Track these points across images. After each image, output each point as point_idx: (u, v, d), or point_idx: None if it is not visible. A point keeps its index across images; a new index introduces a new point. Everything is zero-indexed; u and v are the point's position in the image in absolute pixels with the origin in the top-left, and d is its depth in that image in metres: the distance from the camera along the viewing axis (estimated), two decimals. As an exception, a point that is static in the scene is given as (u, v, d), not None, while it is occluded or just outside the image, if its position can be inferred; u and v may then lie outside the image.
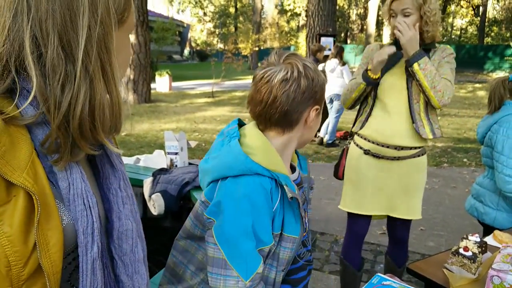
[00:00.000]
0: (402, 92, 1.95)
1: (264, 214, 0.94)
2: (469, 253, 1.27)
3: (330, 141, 6.41)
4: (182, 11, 53.34)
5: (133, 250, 0.77)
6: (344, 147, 2.19)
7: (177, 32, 38.02)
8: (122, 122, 0.72)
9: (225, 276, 0.92)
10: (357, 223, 2.12)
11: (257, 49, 21.68)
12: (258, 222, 0.93)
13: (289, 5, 36.24)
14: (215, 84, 13.64)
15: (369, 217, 2.10)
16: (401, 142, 1.94)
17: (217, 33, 47.44)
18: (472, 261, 1.24)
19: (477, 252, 1.27)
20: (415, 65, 1.82)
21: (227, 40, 22.55)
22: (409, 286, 1.15)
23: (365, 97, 2.06)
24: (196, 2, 48.25)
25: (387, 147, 1.96)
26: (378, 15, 23.76)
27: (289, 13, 38.52)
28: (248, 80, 19.04)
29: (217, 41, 47.96)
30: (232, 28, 42.27)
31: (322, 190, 4.37)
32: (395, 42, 1.96)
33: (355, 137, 2.11)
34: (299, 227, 1.01)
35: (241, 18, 41.31)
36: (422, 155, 2.02)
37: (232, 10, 43.99)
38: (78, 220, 0.66)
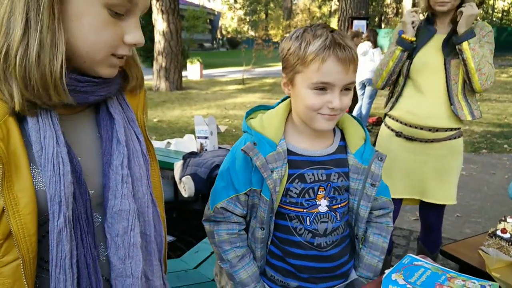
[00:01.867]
0: (439, 71, 1.85)
1: (238, 164, 1.08)
2: (507, 235, 1.21)
3: (362, 127, 6.27)
4: (213, -1, 53.49)
5: (128, 233, 0.74)
6: (378, 132, 2.12)
7: (208, 20, 38.16)
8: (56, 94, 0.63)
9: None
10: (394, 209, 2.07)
11: (287, 35, 21.41)
12: (232, 169, 1.09)
13: (321, -11, 35.49)
14: (245, 71, 13.62)
15: (399, 201, 2.04)
16: (437, 123, 1.86)
17: (247, 20, 47.23)
18: (510, 243, 1.18)
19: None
20: (465, 44, 1.72)
21: (257, 27, 22.41)
22: (442, 267, 1.11)
23: (397, 77, 1.98)
24: (226, -10, 48.16)
25: (421, 128, 1.88)
26: (414, -2, 22.84)
27: (320, -2, 37.75)
28: (278, 67, 18.84)
29: (248, 29, 47.76)
30: (263, 15, 41.93)
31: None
32: (428, 17, 1.87)
33: (386, 118, 2.04)
34: (268, 191, 1.03)
35: (271, 5, 40.88)
36: (459, 137, 1.92)
37: (263, -4, 43.58)
38: (47, 185, 0.64)
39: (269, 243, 1.12)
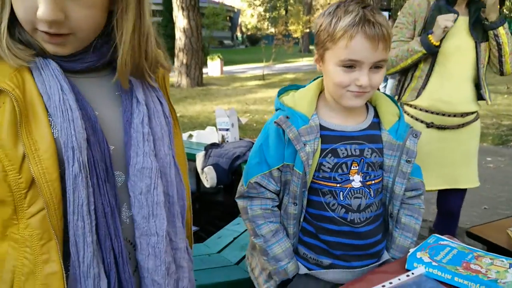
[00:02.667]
0: (469, 55, 1.82)
1: (271, 140, 1.10)
2: (537, 217, 1.17)
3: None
4: (232, -4, 53.48)
5: (151, 191, 0.75)
6: None
7: (227, 18, 38.24)
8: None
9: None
10: None
11: (307, 31, 21.26)
12: (265, 145, 1.11)
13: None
14: (265, 67, 13.62)
15: None
16: (467, 108, 1.85)
17: (267, 17, 47.06)
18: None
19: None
20: (501, 29, 1.73)
21: (277, 23, 22.37)
22: (469, 246, 1.10)
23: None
24: (246, -13, 48.10)
25: (454, 116, 1.85)
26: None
27: (341, -7, 37.20)
28: (299, 62, 18.83)
29: (268, 25, 47.61)
30: (283, 11, 41.69)
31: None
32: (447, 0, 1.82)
33: (408, 108, 1.95)
34: (301, 164, 1.04)
35: (291, 1, 40.59)
36: (478, 119, 1.95)
37: (282, -8, 43.32)
38: (60, 132, 0.66)
39: (301, 220, 1.12)
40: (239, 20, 48.92)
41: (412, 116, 1.94)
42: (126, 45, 0.72)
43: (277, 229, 1.12)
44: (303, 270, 1.13)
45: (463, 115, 1.87)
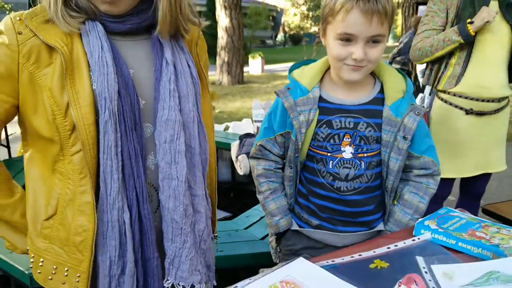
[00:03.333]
0: (504, 39, 1.85)
1: (278, 109, 1.21)
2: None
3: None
4: (276, -5, 53.54)
5: (174, 141, 0.87)
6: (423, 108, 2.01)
7: (270, 17, 38.42)
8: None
9: None
10: (445, 187, 2.03)
11: None
12: (273, 113, 1.24)
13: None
14: (306, 65, 13.60)
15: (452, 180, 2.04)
16: (503, 93, 1.89)
17: (310, 16, 46.72)
18: (557, 201, 1.16)
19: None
20: None
21: (319, 22, 22.14)
22: (479, 217, 1.13)
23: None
24: (289, -14, 48.01)
25: (492, 101, 1.87)
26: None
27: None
28: (341, 61, 18.53)
29: (311, 24, 47.25)
30: (326, 10, 41.19)
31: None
32: None
33: (444, 95, 1.95)
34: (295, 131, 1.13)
35: (335, -1, 40.03)
36: (509, 104, 1.97)
37: (326, -9, 42.98)
38: (96, 83, 0.80)
39: (297, 182, 1.22)
40: (282, 20, 48.92)
41: (451, 104, 1.94)
42: (165, 1, 0.86)
43: (276, 188, 1.26)
44: (295, 226, 1.25)
45: (500, 100, 1.89)
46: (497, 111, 1.91)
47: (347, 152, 1.14)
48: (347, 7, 1.01)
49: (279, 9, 43.99)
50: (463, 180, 2.11)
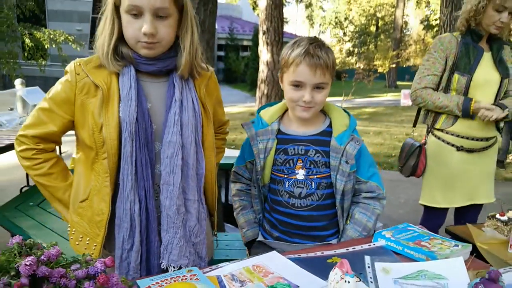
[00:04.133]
0: (494, 88, 2.06)
1: (247, 140, 1.46)
2: (504, 218, 1.36)
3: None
4: (323, 32, 54.53)
5: (174, 157, 1.17)
6: (421, 145, 2.18)
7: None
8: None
9: None
10: (439, 216, 2.21)
11: (394, 66, 20.95)
12: (245, 144, 1.51)
13: (435, 19, 33.96)
14: (344, 100, 13.80)
15: (446, 209, 2.21)
16: (491, 133, 2.09)
17: (356, 52, 47.11)
18: (505, 223, 1.33)
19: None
20: None
21: (365, 59, 22.37)
22: (433, 233, 1.33)
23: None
24: (336, 23, 48.89)
25: (481, 140, 2.08)
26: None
27: (436, 28, 36.04)
28: (382, 97, 18.57)
29: (356, 60, 47.54)
30: (372, 47, 41.48)
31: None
32: (472, 36, 2.04)
33: (439, 133, 2.14)
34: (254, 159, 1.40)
35: (382, 36, 40.30)
36: (496, 142, 2.18)
37: (372, 28, 43.32)
38: (122, 112, 1.14)
39: (262, 199, 1.48)
40: (327, 55, 49.55)
41: (443, 141, 2.13)
42: (186, 50, 1.20)
43: (245, 205, 1.52)
44: (260, 237, 1.49)
45: (488, 139, 2.09)
46: (485, 148, 2.10)
47: (300, 174, 1.37)
48: (297, 61, 1.28)
49: (324, 45, 44.71)
50: (457, 210, 2.26)
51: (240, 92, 20.77)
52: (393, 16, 30.69)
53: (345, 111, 1.46)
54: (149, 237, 1.20)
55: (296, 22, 61.09)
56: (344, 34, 49.83)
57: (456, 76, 2.05)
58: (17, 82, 4.37)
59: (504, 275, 1.09)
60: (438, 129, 2.15)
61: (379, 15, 41.33)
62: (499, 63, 2.04)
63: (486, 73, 2.03)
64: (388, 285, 1.04)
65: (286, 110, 1.46)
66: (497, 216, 1.37)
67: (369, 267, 1.13)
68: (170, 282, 0.99)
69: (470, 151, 2.09)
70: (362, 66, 16.19)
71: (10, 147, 2.86)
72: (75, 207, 1.23)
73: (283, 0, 11.28)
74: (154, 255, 1.21)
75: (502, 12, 1.93)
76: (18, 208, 2.71)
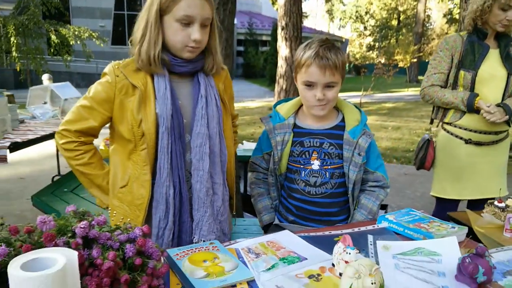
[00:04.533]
0: (500, 83, 2.13)
1: (264, 133, 1.63)
2: (501, 204, 1.46)
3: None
4: (343, 26, 54.01)
5: (202, 146, 1.34)
6: (429, 138, 2.32)
7: (335, 47, 38.85)
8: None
9: None
10: (450, 207, 2.30)
11: (415, 60, 20.65)
12: (262, 137, 1.67)
13: (458, 13, 33.18)
14: (364, 95, 13.75)
15: (457, 201, 2.30)
16: (500, 127, 2.15)
17: (376, 46, 46.48)
18: (502, 210, 1.43)
19: (510, 205, 1.45)
20: None
21: (385, 53, 22.12)
22: (433, 217, 1.44)
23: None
24: (356, 17, 48.32)
25: (489, 133, 2.15)
26: None
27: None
28: (403, 92, 18.37)
29: (376, 55, 46.93)
30: (394, 41, 40.89)
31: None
32: (478, 34, 2.12)
33: (448, 127, 2.25)
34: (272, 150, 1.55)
35: (404, 30, 39.67)
36: (508, 137, 2.22)
37: (394, 22, 42.65)
38: (158, 109, 1.28)
39: (279, 187, 1.61)
40: (347, 50, 49.22)
41: (452, 134, 2.24)
42: (213, 52, 1.38)
43: (262, 192, 1.66)
44: (277, 221, 1.63)
45: (496, 133, 2.16)
46: (495, 142, 2.18)
47: (315, 164, 1.51)
48: (308, 63, 1.41)
49: (343, 40, 44.31)
50: (469, 204, 2.34)
51: (259, 87, 20.85)
52: (415, 10, 30.15)
53: (356, 107, 1.59)
54: (182, 217, 1.36)
55: (316, 17, 60.68)
56: (365, 28, 49.22)
57: (462, 72, 2.15)
58: (45, 77, 4.57)
59: (496, 254, 1.21)
60: (447, 123, 2.26)
61: (400, 8, 40.58)
62: (506, 59, 2.11)
63: (492, 69, 2.11)
64: (387, 259, 1.16)
65: (301, 105, 1.59)
66: (495, 203, 1.48)
67: (371, 244, 1.26)
68: (195, 251, 1.15)
69: (478, 144, 2.17)
70: (382, 61, 16.04)
71: (44, 138, 3.08)
72: (115, 192, 1.39)
73: (302, -4, 11.32)
74: (186, 233, 1.37)
75: (507, 11, 2.01)
76: (54, 194, 2.94)
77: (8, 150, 2.64)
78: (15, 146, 2.71)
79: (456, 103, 2.14)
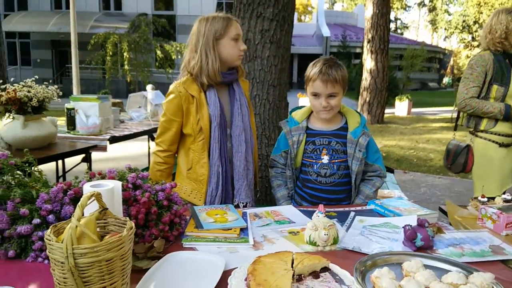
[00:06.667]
0: None
1: (282, 135, 1.97)
2: (484, 199, 1.65)
3: None
4: (447, 37, 50.69)
5: (240, 135, 1.82)
6: (470, 144, 2.63)
7: (436, 60, 36.85)
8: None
9: None
10: None
11: None
12: (280, 137, 2.00)
13: None
14: (455, 109, 12.98)
15: None
16: None
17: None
18: (483, 203, 1.63)
19: (496, 202, 1.64)
20: None
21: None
22: (414, 204, 1.69)
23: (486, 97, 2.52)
24: (463, 27, 45.04)
25: None
26: None
27: None
28: None
29: (484, 68, 42.94)
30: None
31: None
32: (500, 56, 2.45)
33: (483, 134, 2.56)
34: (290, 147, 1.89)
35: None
36: None
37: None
38: (211, 111, 1.78)
39: (295, 179, 1.96)
40: (451, 62, 46.05)
41: (489, 140, 2.55)
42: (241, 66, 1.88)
43: (280, 184, 2.00)
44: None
45: None
46: None
47: (325, 159, 1.86)
48: (313, 78, 1.78)
49: (446, 51, 41.59)
50: None
51: (347, 99, 20.74)
52: (530, 18, 27.24)
53: (356, 111, 1.94)
54: (227, 188, 1.87)
55: (417, 28, 57.88)
56: (473, 38, 45.61)
57: (495, 86, 2.47)
58: (149, 87, 5.44)
59: (456, 233, 1.44)
60: (482, 131, 2.55)
61: (514, 17, 36.69)
62: None
63: None
64: (357, 228, 1.48)
65: (312, 111, 1.95)
66: (479, 198, 1.67)
67: (351, 218, 1.58)
68: (212, 209, 1.59)
69: (508, 146, 2.51)
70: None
71: (136, 135, 3.87)
72: (184, 174, 1.91)
73: (389, 9, 11.27)
74: (229, 198, 1.89)
75: None
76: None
77: (108, 142, 3.45)
78: (113, 139, 3.53)
79: (495, 113, 2.45)
